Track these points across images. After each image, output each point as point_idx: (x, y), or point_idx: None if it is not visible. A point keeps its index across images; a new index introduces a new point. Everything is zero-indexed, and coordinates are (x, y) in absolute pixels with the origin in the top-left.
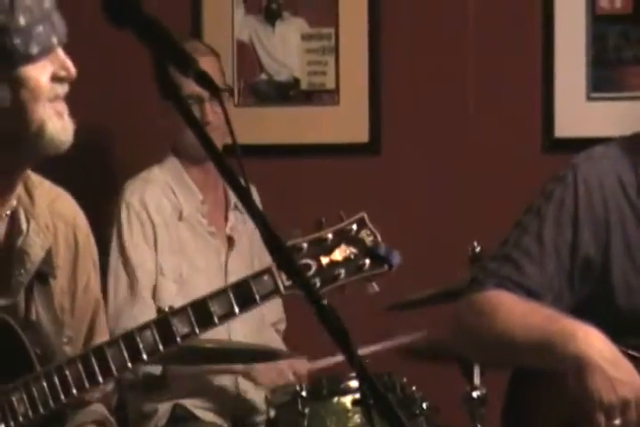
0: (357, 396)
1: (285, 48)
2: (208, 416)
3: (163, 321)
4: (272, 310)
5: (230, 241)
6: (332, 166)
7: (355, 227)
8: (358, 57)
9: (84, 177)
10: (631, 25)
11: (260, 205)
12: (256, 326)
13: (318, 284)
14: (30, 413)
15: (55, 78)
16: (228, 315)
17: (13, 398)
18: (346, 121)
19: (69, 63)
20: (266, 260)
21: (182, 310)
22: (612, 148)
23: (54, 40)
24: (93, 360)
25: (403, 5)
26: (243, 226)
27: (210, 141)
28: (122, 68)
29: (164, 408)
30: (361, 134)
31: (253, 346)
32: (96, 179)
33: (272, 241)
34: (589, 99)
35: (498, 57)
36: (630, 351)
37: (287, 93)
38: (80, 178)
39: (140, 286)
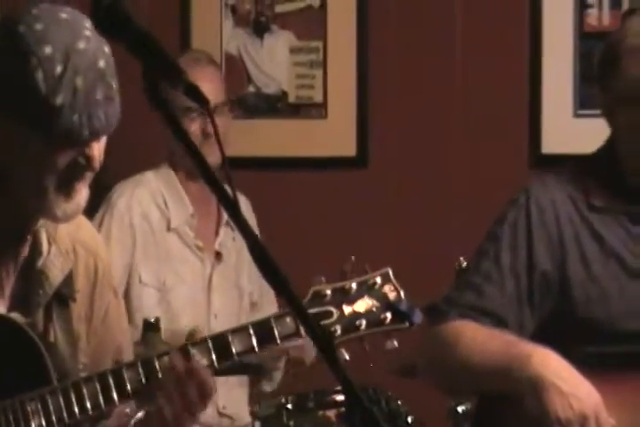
0: (342, 409)
1: (273, 61)
2: None
3: (183, 350)
4: (267, 307)
5: (218, 256)
6: (319, 180)
7: (379, 280)
8: (346, 70)
9: None
10: None
11: (254, 219)
12: (233, 319)
13: (339, 331)
14: (44, 425)
15: (74, 165)
16: (246, 351)
17: (29, 409)
18: (333, 134)
19: (96, 156)
20: (254, 277)
21: (202, 341)
22: (562, 171)
23: (85, 133)
24: (111, 380)
25: (391, 19)
26: (232, 243)
27: (199, 155)
28: (119, 73)
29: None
30: (348, 148)
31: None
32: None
33: (258, 253)
34: (576, 115)
35: (485, 73)
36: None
37: (275, 106)
38: None
39: None
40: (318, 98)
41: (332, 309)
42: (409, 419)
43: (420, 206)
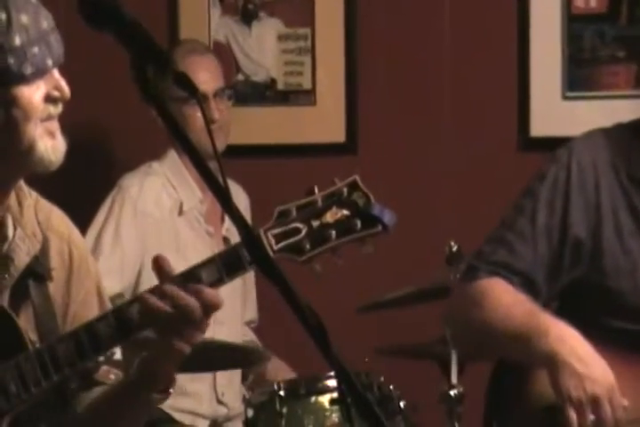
0: (335, 395)
1: (262, 48)
2: (186, 419)
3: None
4: (249, 309)
5: (226, 242)
6: (308, 166)
7: (346, 190)
8: (334, 57)
9: (82, 175)
10: (606, 24)
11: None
12: (237, 326)
13: (308, 246)
14: (22, 392)
15: (49, 99)
16: (216, 282)
17: (7, 378)
18: (322, 121)
19: (64, 84)
20: None
21: (172, 279)
22: (608, 133)
23: (49, 62)
24: (84, 336)
25: (379, 5)
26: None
27: (190, 143)
28: (121, 64)
29: None
30: (337, 134)
31: (238, 346)
32: (94, 176)
33: (250, 240)
34: (565, 98)
35: (474, 57)
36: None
37: (264, 94)
38: (79, 175)
39: (121, 277)
40: (307, 85)
41: (299, 225)
42: (401, 404)
43: (409, 191)
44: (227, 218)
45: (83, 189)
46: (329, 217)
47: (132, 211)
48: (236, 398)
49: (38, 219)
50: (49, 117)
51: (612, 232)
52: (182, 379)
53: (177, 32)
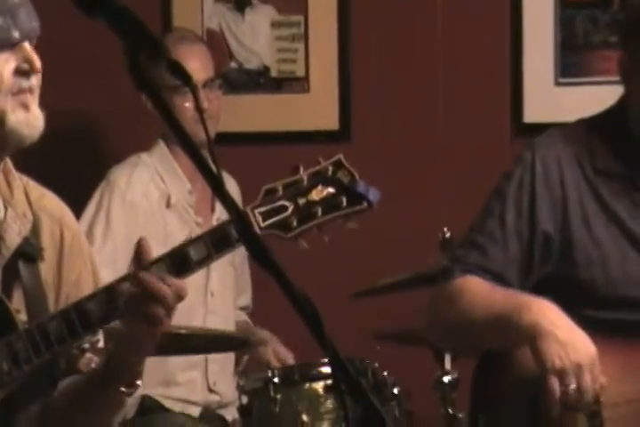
0: (329, 381)
1: (255, 36)
2: (177, 407)
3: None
4: (242, 296)
5: None
6: (302, 154)
7: (331, 168)
8: (328, 44)
9: (71, 165)
10: (598, 10)
11: (239, 196)
12: (229, 315)
13: (295, 223)
14: (14, 370)
15: (19, 72)
16: (205, 259)
17: None
18: (316, 108)
19: (34, 56)
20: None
21: (159, 259)
22: (570, 129)
23: (15, 34)
24: (74, 314)
25: None
26: (228, 218)
27: (183, 131)
28: (110, 54)
29: (133, 400)
30: (331, 122)
31: (228, 333)
32: (83, 167)
33: (242, 227)
34: (558, 84)
35: (467, 43)
36: None
37: (257, 81)
38: (68, 166)
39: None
40: (300, 72)
41: (286, 203)
42: (395, 390)
43: (403, 178)
44: (217, 208)
45: (72, 179)
46: (315, 195)
47: (120, 202)
48: (228, 386)
49: (29, 199)
50: (20, 90)
51: (581, 225)
52: (173, 368)
53: (170, 19)
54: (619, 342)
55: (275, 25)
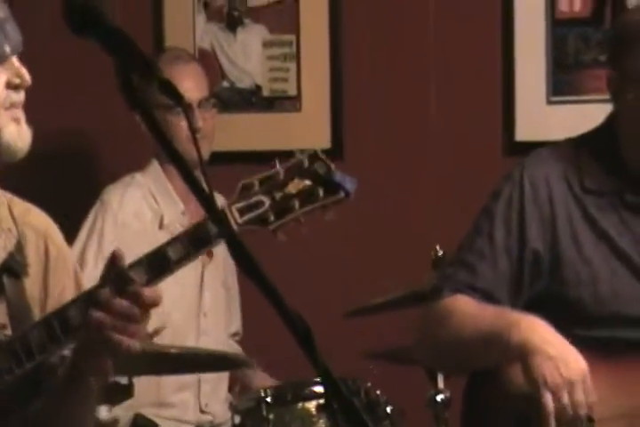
0: (322, 401)
1: (247, 55)
2: (171, 425)
3: (120, 275)
4: (233, 321)
5: (209, 254)
6: None
7: (307, 161)
8: (319, 63)
9: (65, 183)
10: (590, 28)
11: None
12: (221, 337)
13: (272, 218)
14: None
15: (10, 86)
16: (184, 258)
17: None
18: (308, 127)
19: (24, 71)
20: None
21: (138, 261)
22: (558, 148)
23: (7, 48)
24: (55, 321)
25: (363, 12)
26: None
27: (175, 151)
28: (104, 73)
29: (126, 418)
30: (323, 140)
31: (220, 353)
32: (77, 186)
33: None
34: (550, 102)
35: (459, 61)
36: None
37: (249, 100)
38: (61, 184)
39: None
40: (292, 91)
41: (263, 197)
42: (388, 409)
43: (395, 196)
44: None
45: (66, 198)
46: (291, 188)
47: (113, 223)
48: (220, 407)
49: (13, 215)
50: (12, 105)
51: (570, 243)
52: (166, 389)
53: (162, 39)
54: (609, 359)
55: (266, 44)
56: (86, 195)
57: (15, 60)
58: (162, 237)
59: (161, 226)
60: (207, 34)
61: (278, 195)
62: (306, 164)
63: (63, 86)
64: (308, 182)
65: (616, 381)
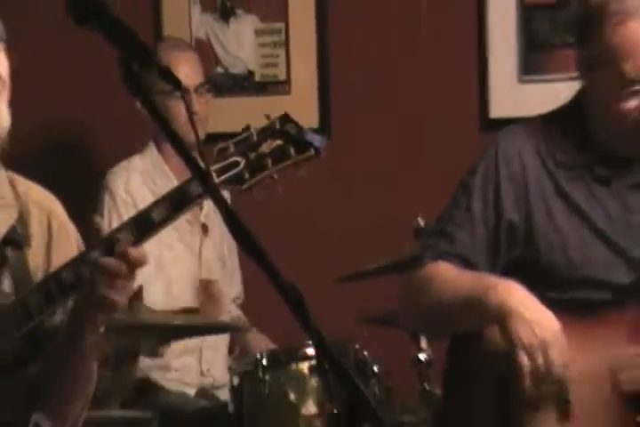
0: (314, 362)
1: (240, 43)
2: (174, 386)
3: (108, 239)
4: (234, 287)
5: (204, 228)
6: None
7: (278, 123)
8: (307, 49)
9: (66, 168)
10: (557, 13)
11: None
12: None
13: (247, 176)
14: None
15: None
16: (167, 219)
17: None
18: (297, 109)
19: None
20: (233, 242)
21: (124, 224)
22: (530, 124)
23: None
24: (51, 284)
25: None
26: (215, 214)
27: (175, 134)
28: (102, 61)
29: (131, 381)
30: (312, 121)
31: (220, 322)
32: (77, 169)
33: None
34: (521, 81)
35: (438, 45)
36: None
37: (242, 85)
38: (62, 169)
39: None
40: (282, 76)
41: (238, 158)
42: (375, 368)
43: (379, 171)
44: (204, 205)
45: (67, 181)
46: (264, 148)
47: (123, 207)
48: (221, 371)
49: (17, 192)
50: None
51: (543, 214)
52: (169, 355)
53: (160, 29)
54: (581, 319)
55: (258, 33)
56: (88, 176)
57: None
58: None
59: None
60: (202, 24)
61: (252, 155)
62: (277, 125)
63: (64, 75)
64: (279, 142)
65: (586, 340)
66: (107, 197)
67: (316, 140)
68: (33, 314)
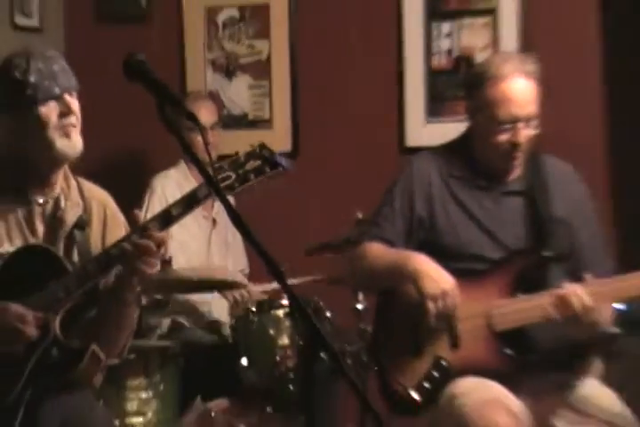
0: (287, 310)
1: (238, 94)
2: (193, 326)
3: (143, 226)
4: (240, 260)
5: (214, 222)
6: None
7: (259, 149)
8: (283, 98)
9: (124, 175)
10: (453, 76)
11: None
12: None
13: (237, 185)
14: (65, 297)
15: (61, 114)
16: (181, 214)
17: (56, 289)
18: (277, 139)
19: (71, 103)
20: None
21: (154, 217)
22: (434, 150)
23: (57, 90)
24: (102, 257)
25: (316, 59)
26: (223, 212)
27: (196, 158)
28: (148, 105)
29: (166, 322)
30: (286, 146)
31: (226, 280)
32: (132, 176)
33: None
34: (427, 122)
35: (370, 97)
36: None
37: (240, 122)
38: (121, 176)
39: None
40: (267, 116)
41: (231, 173)
42: (328, 313)
43: (332, 179)
44: (215, 205)
45: (123, 186)
46: (248, 166)
47: (158, 202)
48: (223, 315)
49: (82, 193)
50: (64, 126)
51: (442, 211)
52: (191, 304)
53: (185, 85)
54: (467, 281)
55: (250, 87)
56: (140, 182)
57: (66, 96)
58: None
59: None
60: (214, 81)
61: (240, 171)
62: (257, 150)
63: (124, 114)
64: (259, 162)
65: (469, 294)
66: (148, 195)
67: (284, 161)
68: (90, 277)
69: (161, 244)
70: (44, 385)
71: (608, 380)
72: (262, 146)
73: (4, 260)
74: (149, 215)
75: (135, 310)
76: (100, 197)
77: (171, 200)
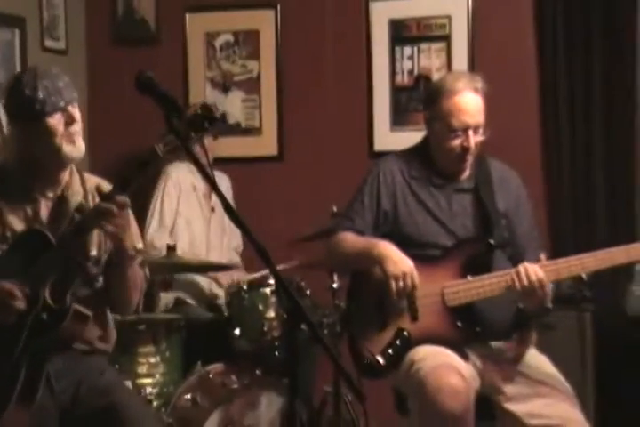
0: (273, 288)
1: (233, 106)
2: (194, 302)
3: (107, 194)
4: (234, 239)
5: (212, 209)
6: (258, 168)
7: (200, 109)
8: (271, 110)
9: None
10: (413, 91)
11: (230, 191)
12: (225, 252)
13: (193, 135)
14: (51, 270)
15: (66, 124)
16: (133, 179)
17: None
18: (265, 144)
19: (74, 114)
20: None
21: (114, 187)
22: (398, 153)
23: (62, 103)
24: (75, 223)
25: (300, 80)
26: (218, 201)
27: (199, 162)
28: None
29: (170, 298)
30: (273, 151)
31: (219, 262)
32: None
33: (228, 208)
34: (392, 130)
35: (348, 110)
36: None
37: (234, 130)
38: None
39: (164, 222)
40: (257, 125)
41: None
42: (307, 292)
43: (312, 179)
44: (213, 196)
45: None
46: (190, 125)
47: (172, 186)
48: (220, 292)
49: (84, 184)
50: (69, 133)
51: (403, 205)
52: (193, 281)
53: (187, 98)
54: (425, 265)
55: (243, 100)
56: (150, 180)
57: (70, 108)
58: (193, 198)
59: (194, 189)
60: (212, 95)
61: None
62: (199, 111)
63: (137, 123)
64: (199, 119)
65: (426, 276)
66: (163, 180)
67: (220, 116)
68: (67, 243)
69: (123, 206)
70: (42, 348)
71: (540, 347)
72: (203, 106)
73: (11, 243)
74: (166, 199)
75: (138, 268)
76: (97, 183)
77: (183, 185)
